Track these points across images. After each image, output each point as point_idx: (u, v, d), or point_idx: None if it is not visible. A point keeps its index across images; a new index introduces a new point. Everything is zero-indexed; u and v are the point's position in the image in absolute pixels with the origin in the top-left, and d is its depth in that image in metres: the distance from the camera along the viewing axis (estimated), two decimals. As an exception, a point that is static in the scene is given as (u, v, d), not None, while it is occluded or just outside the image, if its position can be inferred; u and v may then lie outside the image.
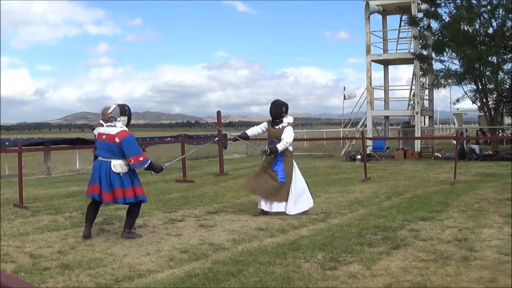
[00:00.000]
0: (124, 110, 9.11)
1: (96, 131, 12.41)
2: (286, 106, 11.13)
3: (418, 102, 28.04)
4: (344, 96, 31.59)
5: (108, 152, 8.75)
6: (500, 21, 26.16)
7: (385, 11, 30.11)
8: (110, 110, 9.26)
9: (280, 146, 10.69)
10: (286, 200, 10.72)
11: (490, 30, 26.74)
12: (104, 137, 8.84)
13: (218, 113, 19.77)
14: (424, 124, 31.23)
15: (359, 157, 24.09)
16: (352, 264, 6.99)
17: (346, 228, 9.24)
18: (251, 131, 11.55)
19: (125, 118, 9.10)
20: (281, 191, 10.74)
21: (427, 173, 19.12)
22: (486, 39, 26.63)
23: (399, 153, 27.12)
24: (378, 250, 7.69)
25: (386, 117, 31.32)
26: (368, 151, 23.54)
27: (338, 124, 43.31)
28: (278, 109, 10.99)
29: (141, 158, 8.80)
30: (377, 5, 28.85)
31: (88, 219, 9.03)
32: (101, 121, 12.54)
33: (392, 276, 6.38)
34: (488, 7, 25.99)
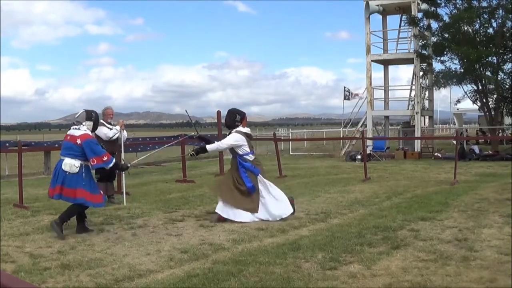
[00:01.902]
0: (90, 115, 9.60)
1: (100, 130, 12.47)
2: (242, 115, 10.72)
3: (418, 102, 28.04)
4: (345, 97, 31.60)
5: (67, 151, 9.15)
6: (500, 21, 26.19)
7: (385, 11, 30.14)
8: (77, 115, 9.62)
9: (209, 147, 10.65)
10: (256, 211, 10.24)
11: (490, 31, 26.78)
12: (68, 138, 9.32)
13: (218, 113, 19.77)
14: (424, 124, 31.25)
15: (359, 157, 24.09)
16: (352, 264, 6.99)
17: (346, 228, 9.24)
18: (210, 147, 10.97)
19: (90, 123, 9.55)
20: (249, 202, 10.28)
21: (427, 173, 19.12)
22: (486, 39, 26.63)
23: (399, 153, 27.12)
24: (378, 250, 7.69)
25: (386, 117, 31.33)
26: (368, 151, 23.55)
27: (338, 124, 43.33)
28: (232, 118, 10.65)
29: (105, 158, 9.23)
30: (377, 5, 28.87)
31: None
32: (101, 121, 12.55)
33: (392, 276, 6.38)
34: (488, 7, 26.00)
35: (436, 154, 26.41)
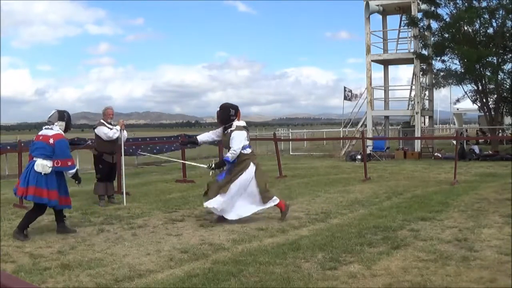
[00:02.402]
0: (62, 116, 9.51)
1: (100, 130, 12.47)
2: (235, 108, 10.34)
3: (418, 102, 28.05)
4: (346, 97, 31.61)
5: (39, 151, 9.04)
6: (500, 21, 26.19)
7: (385, 11, 30.13)
8: (49, 115, 9.50)
9: (229, 157, 10.00)
10: (225, 192, 9.87)
11: (490, 31, 26.77)
12: (40, 138, 9.23)
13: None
14: (424, 124, 31.24)
15: (359, 157, 24.09)
16: (352, 264, 6.99)
17: (346, 228, 9.24)
18: (202, 137, 10.92)
19: (63, 124, 9.46)
20: (221, 184, 10.05)
21: (427, 173, 19.12)
22: (486, 39, 26.64)
23: (399, 153, 27.12)
24: (378, 250, 7.69)
25: (386, 117, 31.33)
26: (368, 151, 23.54)
27: (338, 124, 43.33)
28: (226, 113, 10.25)
29: (69, 163, 9.18)
30: (377, 5, 28.87)
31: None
32: (102, 121, 12.56)
33: (392, 276, 6.38)
34: (488, 7, 26.00)
35: (436, 154, 26.40)
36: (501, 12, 25.96)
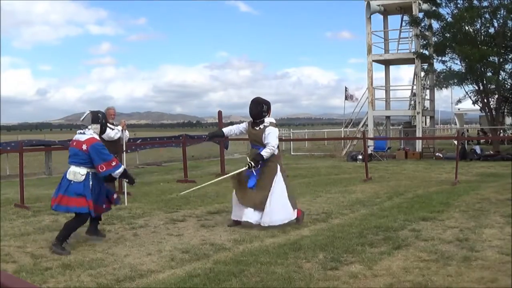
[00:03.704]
0: (97, 117, 8.76)
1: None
2: (268, 104, 9.93)
3: (419, 102, 28.04)
4: (346, 97, 31.61)
5: (74, 159, 8.48)
6: (501, 21, 26.17)
7: (386, 11, 30.13)
8: (82, 118, 8.82)
9: (265, 153, 9.53)
10: (262, 210, 9.52)
11: (491, 30, 26.75)
12: (74, 143, 8.60)
13: (219, 113, 19.80)
14: (425, 124, 31.22)
15: (360, 157, 24.07)
16: (353, 264, 6.99)
17: (347, 228, 9.23)
18: (228, 130, 10.42)
19: (97, 126, 8.74)
20: (257, 198, 9.59)
21: (428, 173, 19.12)
22: (488, 39, 26.63)
23: (400, 153, 27.11)
24: (379, 250, 7.69)
25: (387, 117, 31.32)
26: (369, 151, 23.54)
27: (340, 124, 43.33)
28: (258, 108, 9.80)
29: (113, 163, 8.50)
30: (378, 5, 28.86)
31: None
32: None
33: (393, 276, 6.38)
34: (489, 6, 26.00)
35: (437, 154, 26.41)
36: (502, 11, 25.94)
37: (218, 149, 22.06)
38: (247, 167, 9.59)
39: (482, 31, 26.76)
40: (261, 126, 9.79)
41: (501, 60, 26.34)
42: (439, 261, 7.01)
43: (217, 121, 20.29)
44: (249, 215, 9.55)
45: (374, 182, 16.29)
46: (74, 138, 8.70)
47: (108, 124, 12.51)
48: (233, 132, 10.38)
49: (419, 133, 27.70)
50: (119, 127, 12.63)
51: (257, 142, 9.81)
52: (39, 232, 9.40)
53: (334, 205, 11.84)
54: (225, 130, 10.43)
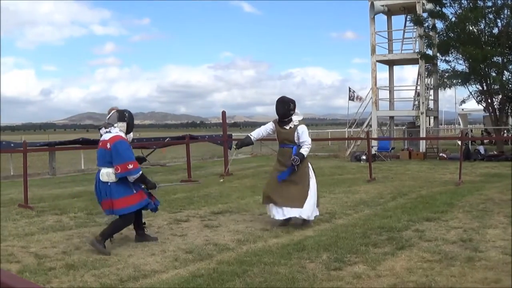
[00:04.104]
0: (123, 116, 8.44)
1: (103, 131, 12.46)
2: (294, 103, 9.92)
3: (423, 103, 28.02)
4: (350, 98, 31.59)
5: (101, 160, 8.21)
6: (505, 21, 26.14)
7: (390, 11, 30.11)
8: (108, 116, 8.61)
9: (305, 151, 9.70)
10: (302, 206, 9.54)
11: (495, 31, 26.73)
12: (100, 144, 8.34)
13: (223, 113, 19.80)
14: (429, 125, 31.20)
15: (364, 157, 24.06)
16: (357, 264, 6.99)
17: (351, 228, 9.23)
18: (256, 134, 10.31)
19: (124, 124, 8.39)
20: (298, 196, 9.58)
21: (432, 173, 19.09)
22: (491, 39, 26.60)
23: (404, 154, 27.10)
24: (383, 250, 7.68)
25: (391, 118, 31.32)
26: (373, 152, 23.52)
27: (343, 125, 43.30)
28: (286, 107, 9.78)
29: (130, 166, 8.01)
30: (382, 5, 28.84)
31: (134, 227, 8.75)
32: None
33: (397, 277, 6.37)
34: (493, 6, 25.97)
35: (441, 154, 26.38)
36: (506, 12, 25.92)
37: (221, 149, 22.07)
38: (293, 162, 9.57)
39: (486, 31, 26.73)
40: (291, 126, 9.83)
41: (505, 60, 26.32)
42: (443, 262, 7.00)
43: (221, 121, 20.31)
44: (292, 212, 9.62)
45: (377, 182, 16.28)
46: (101, 139, 8.45)
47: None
48: (262, 135, 10.36)
49: (423, 134, 27.68)
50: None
51: (289, 141, 9.84)
52: (42, 232, 9.40)
53: (338, 205, 11.83)
54: (254, 134, 10.36)
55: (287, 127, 9.84)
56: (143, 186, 8.45)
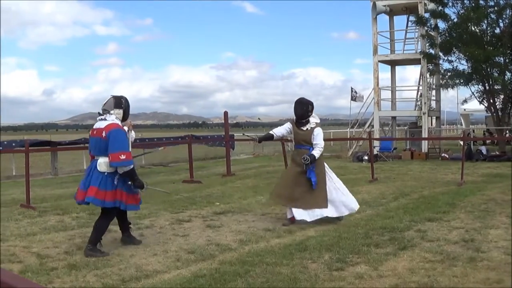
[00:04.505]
0: (119, 102, 8.11)
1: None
2: (312, 104, 10.12)
3: (425, 103, 27.98)
4: (352, 97, 31.57)
5: (96, 149, 7.89)
6: (508, 21, 26.11)
7: (392, 12, 30.09)
8: (104, 102, 8.13)
9: (316, 153, 9.79)
10: (327, 206, 9.84)
11: (497, 31, 26.69)
12: (94, 132, 7.95)
13: (225, 113, 19.81)
14: (431, 125, 31.17)
15: (366, 157, 24.05)
16: (359, 264, 6.99)
17: (353, 228, 9.23)
18: (277, 131, 10.42)
19: (120, 112, 8.11)
20: (319, 197, 9.84)
21: (434, 173, 19.09)
22: (493, 39, 26.57)
23: (406, 154, 27.09)
24: (385, 251, 7.68)
25: (393, 118, 31.29)
26: (375, 152, 23.52)
27: (345, 125, 43.30)
28: (304, 108, 9.97)
29: (123, 157, 7.67)
30: (384, 6, 28.82)
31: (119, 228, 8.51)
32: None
33: (399, 277, 6.38)
34: (496, 6, 25.95)
35: (443, 154, 26.37)
36: (508, 12, 25.90)
37: (224, 149, 22.07)
38: (304, 160, 9.67)
39: (488, 31, 26.70)
40: (308, 127, 10.00)
41: (507, 60, 26.28)
42: (445, 262, 7.00)
43: (223, 121, 20.32)
44: (318, 213, 9.86)
45: (380, 182, 16.28)
46: (94, 127, 8.05)
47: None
48: (281, 134, 10.49)
49: (425, 134, 27.65)
50: (125, 128, 12.63)
51: (306, 142, 9.97)
52: (45, 232, 9.41)
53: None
54: (276, 131, 10.49)
55: (305, 128, 10.02)
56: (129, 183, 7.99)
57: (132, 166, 7.88)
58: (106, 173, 7.77)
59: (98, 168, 7.78)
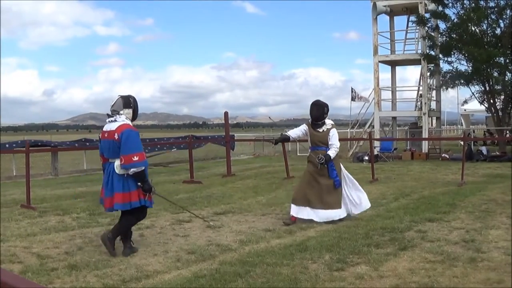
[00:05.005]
0: (128, 102, 7.97)
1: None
2: (328, 107, 10.37)
3: (425, 103, 27.99)
4: (353, 98, 31.56)
5: (109, 151, 7.76)
6: (508, 22, 26.11)
7: (392, 12, 30.08)
8: (112, 103, 7.98)
9: (332, 153, 10.08)
10: (340, 207, 10.16)
11: (498, 31, 26.69)
12: (106, 135, 7.81)
13: (226, 114, 19.81)
14: (432, 125, 31.17)
15: (366, 158, 24.04)
16: (359, 265, 6.99)
17: (353, 229, 9.23)
18: (293, 133, 10.61)
19: (130, 111, 7.96)
20: (334, 198, 10.11)
21: (434, 174, 19.08)
22: (494, 40, 26.57)
23: (407, 154, 27.08)
24: (385, 251, 7.68)
25: (394, 118, 31.29)
26: (375, 152, 23.52)
27: (346, 125, 43.25)
28: (320, 110, 10.22)
29: (136, 158, 7.54)
30: (384, 6, 28.81)
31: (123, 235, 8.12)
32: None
33: (399, 277, 6.38)
34: (496, 6, 25.95)
35: (443, 155, 26.37)
36: (508, 12, 25.91)
37: (224, 149, 22.07)
38: (319, 159, 9.96)
39: (489, 32, 26.70)
40: (324, 128, 10.29)
41: (507, 60, 26.27)
42: (445, 262, 7.00)
43: (223, 122, 20.31)
44: (332, 214, 10.09)
45: (380, 183, 16.28)
46: (104, 129, 7.92)
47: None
48: (297, 135, 10.68)
49: (425, 134, 27.65)
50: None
51: (322, 143, 10.23)
52: (45, 233, 9.41)
53: (340, 206, 11.81)
54: (291, 133, 10.72)
55: (321, 130, 10.28)
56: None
57: (143, 168, 7.71)
58: (125, 175, 7.66)
59: (117, 171, 7.67)
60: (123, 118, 7.82)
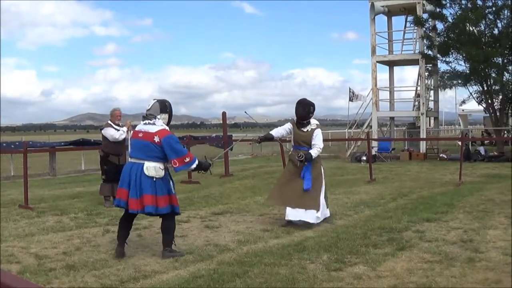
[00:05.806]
0: (165, 106, 7.99)
1: (107, 131, 12.45)
2: (314, 106, 9.97)
3: (423, 103, 28.03)
4: (350, 98, 31.58)
5: (143, 152, 7.68)
6: (506, 22, 26.14)
7: (390, 12, 30.12)
8: (148, 107, 7.96)
9: (314, 153, 9.69)
10: (318, 209, 9.73)
11: (496, 31, 26.72)
12: (140, 135, 7.77)
13: (224, 114, 19.79)
14: (430, 125, 31.20)
15: (364, 158, 24.06)
16: (357, 265, 6.99)
17: (351, 229, 9.23)
18: (276, 132, 10.28)
19: (166, 116, 7.98)
20: (310, 199, 9.73)
21: (432, 174, 19.10)
22: (491, 40, 26.60)
23: (405, 154, 27.11)
24: (383, 251, 7.68)
25: (392, 118, 31.34)
26: (373, 152, 23.52)
27: (344, 125, 43.29)
28: (306, 109, 9.83)
29: (187, 159, 7.80)
30: (382, 6, 28.84)
31: (120, 236, 7.96)
32: (109, 122, 12.57)
33: (397, 277, 6.38)
34: (494, 6, 25.98)
35: (441, 155, 26.40)
36: (506, 12, 25.93)
37: (222, 150, 22.05)
38: (298, 156, 9.60)
39: (486, 32, 26.73)
40: (309, 128, 9.93)
41: (505, 61, 26.33)
42: (443, 262, 7.01)
43: (221, 122, 20.30)
44: (307, 216, 9.70)
45: (378, 183, 16.29)
46: (138, 129, 7.94)
47: (114, 125, 12.52)
48: (280, 134, 10.38)
49: (423, 134, 27.71)
50: (124, 128, 12.63)
51: (305, 143, 9.87)
52: (43, 233, 9.39)
53: (338, 206, 11.82)
54: (273, 133, 10.37)
55: (305, 129, 9.93)
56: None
57: (197, 161, 8.03)
58: (154, 179, 7.61)
59: (146, 172, 7.59)
60: (161, 123, 7.84)
